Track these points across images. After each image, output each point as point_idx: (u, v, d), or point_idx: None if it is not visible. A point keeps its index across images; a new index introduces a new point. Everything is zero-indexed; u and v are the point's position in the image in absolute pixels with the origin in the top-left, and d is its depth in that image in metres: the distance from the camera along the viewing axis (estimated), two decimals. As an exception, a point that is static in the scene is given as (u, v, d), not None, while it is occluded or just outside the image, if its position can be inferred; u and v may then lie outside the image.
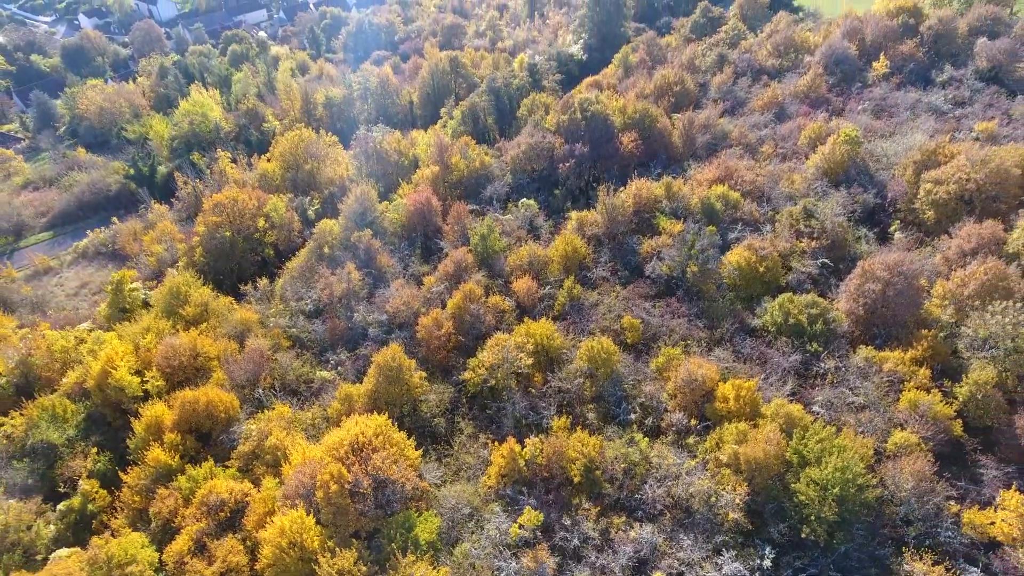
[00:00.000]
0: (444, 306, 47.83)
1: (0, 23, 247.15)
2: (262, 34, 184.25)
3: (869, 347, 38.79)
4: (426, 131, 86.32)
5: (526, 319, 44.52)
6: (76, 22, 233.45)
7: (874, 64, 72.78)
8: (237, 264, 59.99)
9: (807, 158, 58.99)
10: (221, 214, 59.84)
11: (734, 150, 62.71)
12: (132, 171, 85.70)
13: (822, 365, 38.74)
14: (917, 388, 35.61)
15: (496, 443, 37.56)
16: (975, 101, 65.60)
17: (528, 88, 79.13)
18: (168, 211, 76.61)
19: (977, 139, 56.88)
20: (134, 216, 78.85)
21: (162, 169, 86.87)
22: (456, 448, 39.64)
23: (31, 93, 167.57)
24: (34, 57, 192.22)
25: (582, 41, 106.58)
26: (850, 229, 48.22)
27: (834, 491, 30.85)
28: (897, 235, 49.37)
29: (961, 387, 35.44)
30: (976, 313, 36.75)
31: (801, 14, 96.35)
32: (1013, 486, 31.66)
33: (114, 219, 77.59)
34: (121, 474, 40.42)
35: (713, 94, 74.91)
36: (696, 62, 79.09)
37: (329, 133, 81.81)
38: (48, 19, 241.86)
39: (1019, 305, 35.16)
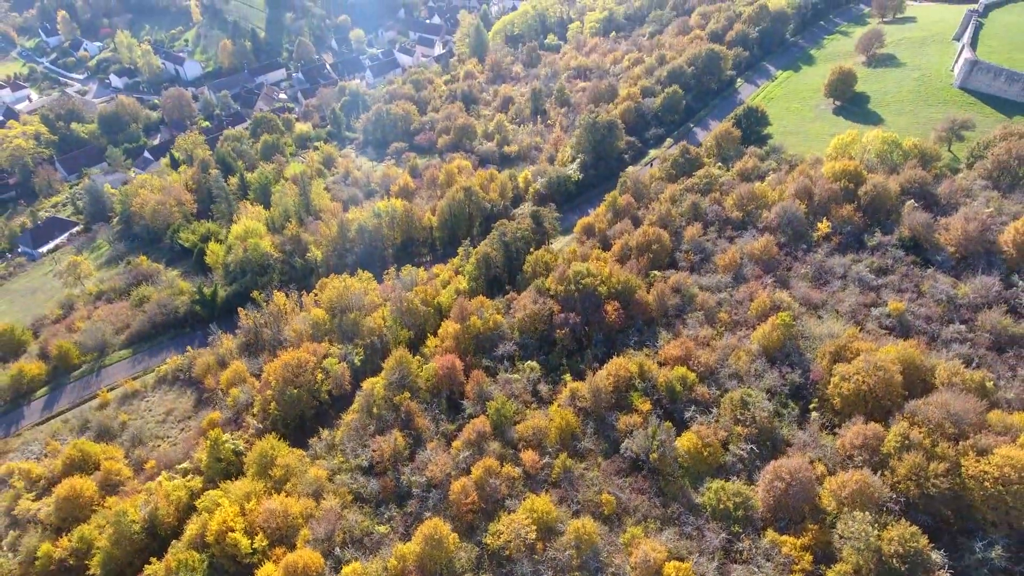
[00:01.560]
0: (468, 470, 63.57)
1: (35, 79, 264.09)
2: (287, 112, 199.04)
3: (773, 531, 54.38)
4: (445, 261, 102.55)
5: (530, 494, 60.22)
6: (108, 81, 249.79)
7: (819, 224, 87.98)
8: (301, 412, 75.93)
9: (754, 329, 74.52)
10: (288, 371, 75.75)
11: (697, 315, 78.41)
12: (198, 296, 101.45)
13: (740, 545, 54.37)
14: (801, 571, 51.19)
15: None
16: (895, 270, 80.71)
17: (531, 235, 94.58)
18: (232, 340, 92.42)
19: (888, 322, 72.32)
20: (203, 345, 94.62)
21: (221, 292, 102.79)
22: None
23: (80, 168, 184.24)
24: (74, 125, 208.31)
25: (579, 160, 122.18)
26: (775, 418, 63.62)
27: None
28: (814, 415, 64.93)
29: (833, 572, 50.95)
30: (846, 514, 52.32)
31: (767, 147, 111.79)
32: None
33: (188, 348, 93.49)
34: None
35: (685, 246, 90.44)
36: (672, 212, 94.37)
37: (364, 269, 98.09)
38: (80, 76, 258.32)
39: (871, 516, 50.69)
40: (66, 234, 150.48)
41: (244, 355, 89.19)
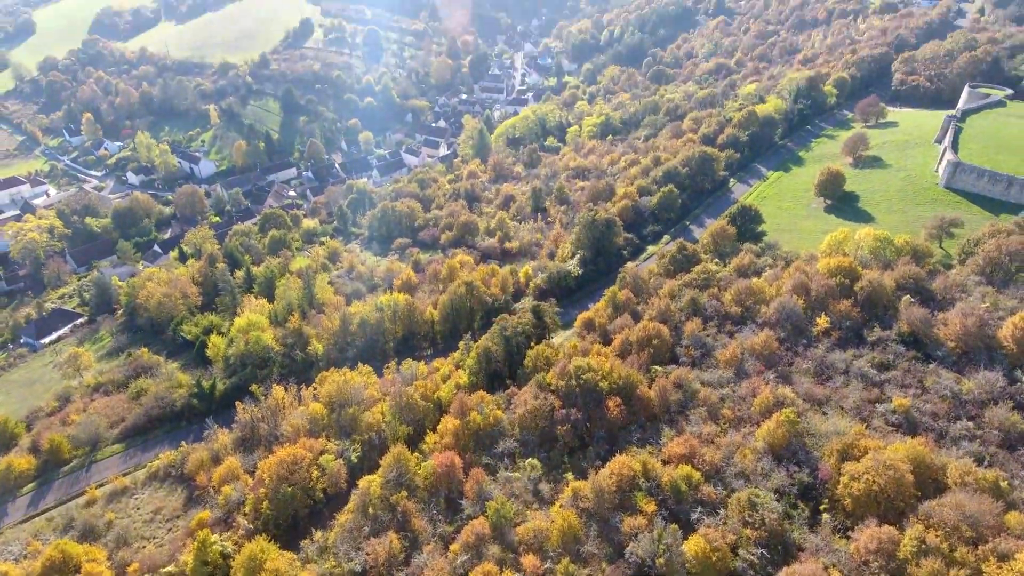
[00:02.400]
0: (467, 576, 60.60)
1: (55, 175, 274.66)
2: (296, 209, 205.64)
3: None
4: (446, 355, 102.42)
5: (532, 602, 57.12)
6: (125, 178, 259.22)
7: (817, 320, 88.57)
8: (295, 511, 73.36)
9: (758, 426, 73.28)
10: (283, 468, 73.87)
11: (700, 411, 77.40)
12: (196, 388, 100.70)
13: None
14: None
15: None
16: (897, 365, 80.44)
17: (532, 330, 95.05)
18: (228, 435, 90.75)
19: (894, 418, 71.31)
20: (198, 439, 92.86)
21: (220, 385, 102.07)
22: None
23: (90, 261, 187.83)
24: (88, 219, 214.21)
25: (579, 255, 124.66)
26: (785, 521, 61.40)
27: None
28: (825, 516, 62.65)
29: None
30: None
31: (762, 244, 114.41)
32: None
33: (183, 443, 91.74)
34: None
35: (685, 341, 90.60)
36: (671, 307, 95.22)
37: (364, 363, 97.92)
38: (99, 174, 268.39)
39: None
40: (69, 325, 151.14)
41: (239, 451, 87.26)
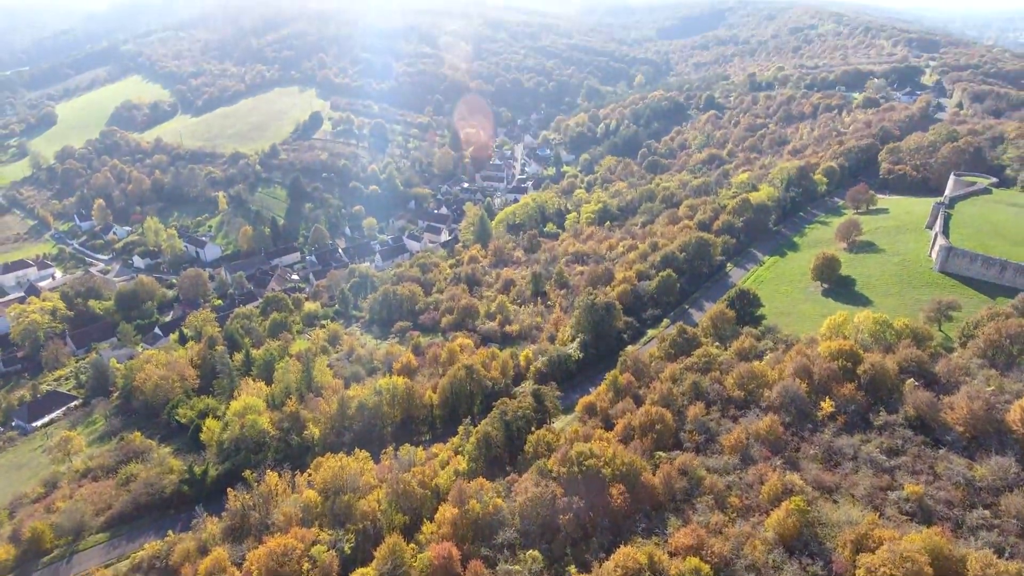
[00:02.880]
0: None
1: (62, 258, 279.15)
2: (298, 292, 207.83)
3: None
4: (445, 440, 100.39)
5: None
6: (131, 262, 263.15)
7: (822, 404, 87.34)
8: (283, 608, 69.49)
9: (767, 515, 70.69)
10: (273, 560, 70.60)
11: (707, 499, 74.92)
12: (187, 474, 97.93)
13: None
14: None
15: None
16: (906, 451, 78.67)
17: (533, 414, 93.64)
18: (217, 524, 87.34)
19: (908, 507, 68.98)
20: (187, 528, 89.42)
21: (212, 471, 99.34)
22: None
23: (90, 343, 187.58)
24: (91, 302, 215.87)
25: (579, 339, 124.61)
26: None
27: None
28: (843, 614, 59.28)
29: None
30: None
31: (761, 327, 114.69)
32: None
33: (170, 532, 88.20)
34: None
35: (689, 425, 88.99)
36: (674, 391, 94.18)
37: (361, 447, 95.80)
38: (106, 257, 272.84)
39: None
40: (63, 408, 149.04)
41: (228, 540, 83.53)
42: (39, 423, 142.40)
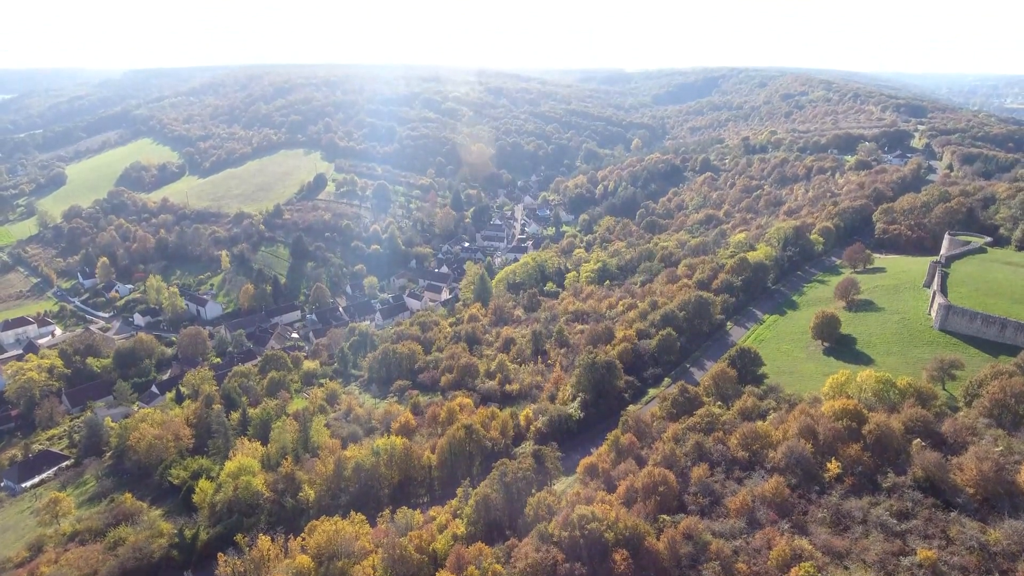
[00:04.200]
0: None
1: (63, 316, 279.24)
2: (297, 350, 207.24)
3: None
4: (443, 503, 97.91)
5: None
6: (131, 320, 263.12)
7: (828, 465, 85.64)
8: None
9: (777, 584, 68.25)
10: (262, 630, 67.77)
11: (714, 564, 72.41)
12: (177, 539, 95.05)
13: None
14: None
15: None
16: (917, 514, 76.53)
17: (533, 475, 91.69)
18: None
19: (921, 573, 66.60)
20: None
21: (203, 535, 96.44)
22: None
23: (85, 401, 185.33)
24: (89, 360, 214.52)
25: (580, 398, 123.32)
26: None
27: None
28: None
29: None
30: None
31: (764, 386, 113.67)
32: None
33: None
34: None
35: (693, 487, 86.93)
36: (676, 452, 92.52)
37: (357, 510, 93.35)
38: (107, 315, 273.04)
39: None
40: (54, 468, 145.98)
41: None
42: (29, 483, 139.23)
